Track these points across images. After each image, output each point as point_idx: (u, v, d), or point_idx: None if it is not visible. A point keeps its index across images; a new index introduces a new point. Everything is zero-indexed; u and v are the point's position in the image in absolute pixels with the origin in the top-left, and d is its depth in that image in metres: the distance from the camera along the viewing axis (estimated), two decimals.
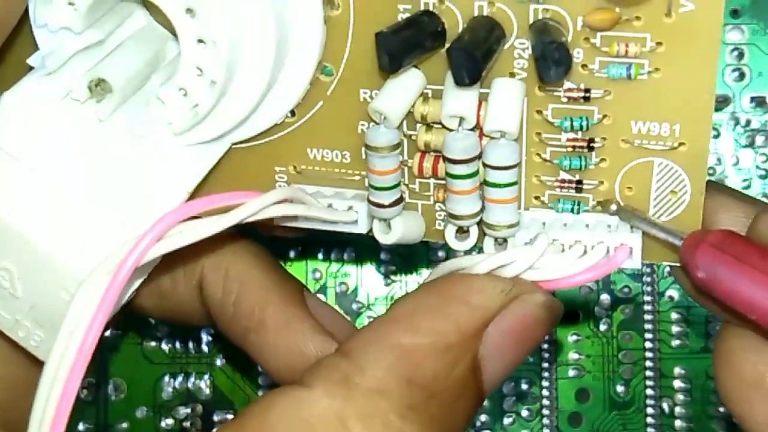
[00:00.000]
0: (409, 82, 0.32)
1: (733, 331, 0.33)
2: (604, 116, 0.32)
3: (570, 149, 0.33)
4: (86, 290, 0.29)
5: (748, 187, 0.48)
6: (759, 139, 0.48)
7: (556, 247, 0.32)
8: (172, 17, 0.31)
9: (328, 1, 0.32)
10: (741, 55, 0.48)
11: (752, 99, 0.48)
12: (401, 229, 0.34)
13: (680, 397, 0.49)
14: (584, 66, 0.31)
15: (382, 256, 0.50)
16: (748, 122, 0.48)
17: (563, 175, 0.33)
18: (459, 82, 0.30)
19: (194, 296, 0.37)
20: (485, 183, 0.32)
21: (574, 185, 0.33)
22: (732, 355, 0.33)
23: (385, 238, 0.34)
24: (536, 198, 0.34)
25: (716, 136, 0.48)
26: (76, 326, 0.29)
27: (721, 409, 0.49)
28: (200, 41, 0.31)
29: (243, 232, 0.38)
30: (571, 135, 0.32)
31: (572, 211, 0.33)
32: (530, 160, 0.33)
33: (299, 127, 0.34)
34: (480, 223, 0.33)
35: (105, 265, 0.29)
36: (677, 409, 0.49)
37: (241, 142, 0.34)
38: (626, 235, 0.32)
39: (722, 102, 0.48)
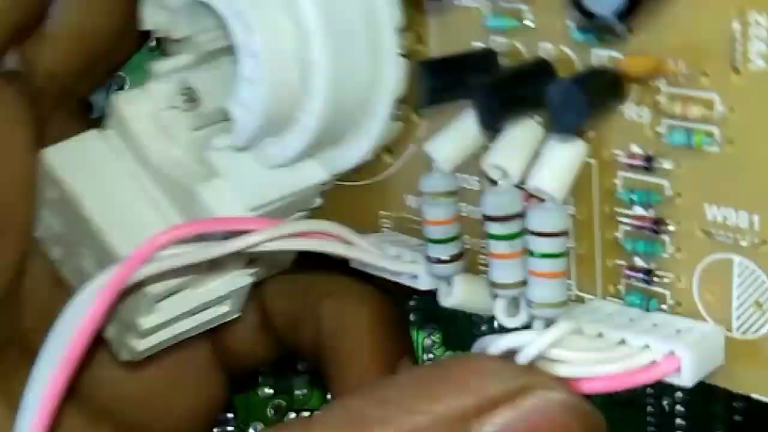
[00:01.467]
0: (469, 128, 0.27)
1: None
2: (677, 194, 0.25)
3: (636, 229, 0.25)
4: (72, 310, 0.27)
5: None
6: None
7: (591, 340, 0.25)
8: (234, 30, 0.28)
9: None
10: None
11: None
12: (462, 289, 0.28)
13: (680, 395, 0.40)
14: (652, 128, 0.24)
15: None
16: None
17: (634, 261, 0.26)
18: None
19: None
20: (528, 252, 0.26)
21: (642, 274, 0.26)
22: None
23: (445, 299, 0.29)
24: (613, 285, 0.27)
25: None
26: (60, 344, 0.27)
27: None
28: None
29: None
30: (641, 211, 0.25)
31: (642, 307, 0.26)
32: (604, 238, 0.26)
33: (398, 170, 0.30)
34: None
35: (94, 284, 0.27)
36: (677, 408, 0.40)
37: (348, 180, 0.31)
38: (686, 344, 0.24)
39: None
